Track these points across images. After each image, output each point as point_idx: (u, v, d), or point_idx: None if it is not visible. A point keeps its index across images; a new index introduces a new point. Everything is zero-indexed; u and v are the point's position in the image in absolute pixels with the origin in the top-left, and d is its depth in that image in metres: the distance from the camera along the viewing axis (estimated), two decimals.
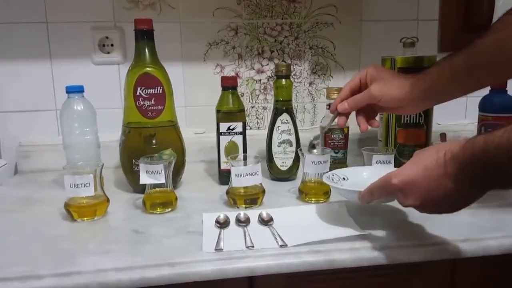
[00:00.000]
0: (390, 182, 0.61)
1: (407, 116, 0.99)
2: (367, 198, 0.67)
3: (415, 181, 0.58)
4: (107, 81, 1.16)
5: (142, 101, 0.89)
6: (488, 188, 0.55)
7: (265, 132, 1.02)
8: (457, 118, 1.33)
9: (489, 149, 0.51)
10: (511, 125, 0.50)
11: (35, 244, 0.70)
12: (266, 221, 0.74)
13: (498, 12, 1.14)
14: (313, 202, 0.85)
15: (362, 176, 0.81)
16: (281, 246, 0.66)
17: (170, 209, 0.83)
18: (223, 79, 0.96)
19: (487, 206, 0.82)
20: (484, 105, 1.04)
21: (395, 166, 0.88)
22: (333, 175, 0.81)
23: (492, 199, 0.88)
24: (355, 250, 0.66)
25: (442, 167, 0.56)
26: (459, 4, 1.25)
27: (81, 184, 0.76)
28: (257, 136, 1.10)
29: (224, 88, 0.96)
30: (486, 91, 1.05)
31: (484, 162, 0.52)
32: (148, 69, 0.89)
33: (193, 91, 1.20)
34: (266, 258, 0.64)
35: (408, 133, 1.00)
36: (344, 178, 0.81)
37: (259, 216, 0.76)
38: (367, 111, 0.81)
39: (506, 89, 1.03)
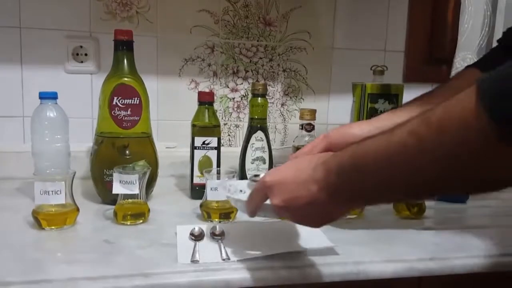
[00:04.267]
0: (263, 179, 0.59)
1: None
2: (249, 206, 0.63)
3: (284, 181, 0.57)
4: (78, 91, 1.14)
5: (118, 110, 0.88)
6: (350, 200, 0.54)
7: (236, 149, 1.04)
8: None
9: (356, 158, 0.50)
10: (381, 133, 0.49)
11: (0, 251, 0.67)
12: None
13: (460, 47, 1.22)
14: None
15: None
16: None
17: (141, 221, 0.81)
18: (200, 94, 0.97)
19: (448, 228, 0.87)
20: None
21: None
22: (230, 185, 0.78)
23: (452, 222, 0.93)
24: (328, 265, 0.67)
25: (312, 170, 0.55)
26: (424, 38, 1.33)
27: (52, 191, 0.74)
28: (228, 153, 1.10)
29: (201, 103, 0.97)
30: None
31: (348, 169, 0.51)
32: (126, 79, 0.89)
33: (167, 105, 1.20)
34: (242, 271, 0.64)
35: None
36: (241, 191, 0.76)
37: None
38: None
39: None
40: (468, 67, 0.84)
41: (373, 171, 0.49)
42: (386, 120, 0.74)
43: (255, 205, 0.62)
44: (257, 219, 0.83)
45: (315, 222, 0.59)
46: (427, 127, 0.44)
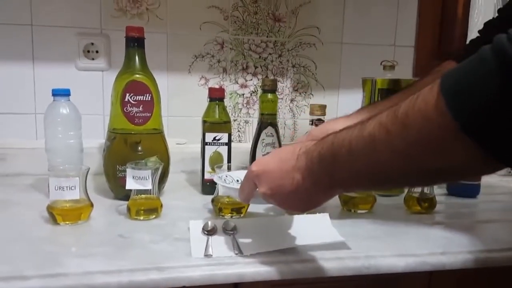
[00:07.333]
0: (250, 169, 0.62)
1: None
2: (241, 194, 0.66)
3: (269, 170, 0.59)
4: (90, 87, 1.15)
5: (130, 107, 0.89)
6: (330, 187, 0.56)
7: (246, 145, 1.04)
8: None
9: (334, 147, 0.53)
10: (358, 124, 0.51)
11: (17, 246, 0.68)
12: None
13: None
14: (295, 212, 0.87)
15: None
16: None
17: (154, 216, 0.82)
18: (211, 90, 0.98)
19: (459, 223, 0.87)
20: None
21: None
22: (226, 176, 0.80)
23: (463, 216, 0.93)
24: (340, 260, 0.68)
25: (295, 160, 0.57)
26: (434, 33, 1.32)
27: (67, 187, 0.75)
28: (238, 149, 1.10)
29: (212, 99, 0.97)
30: None
31: (327, 157, 0.53)
32: (137, 75, 0.90)
33: (177, 102, 1.21)
34: (254, 265, 0.65)
35: None
36: (238, 180, 0.78)
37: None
38: None
39: None
40: (448, 59, 0.82)
41: (347, 160, 0.51)
42: (367, 114, 0.76)
43: (246, 193, 0.65)
44: (266, 213, 0.85)
45: (300, 207, 0.61)
46: (393, 119, 0.46)
